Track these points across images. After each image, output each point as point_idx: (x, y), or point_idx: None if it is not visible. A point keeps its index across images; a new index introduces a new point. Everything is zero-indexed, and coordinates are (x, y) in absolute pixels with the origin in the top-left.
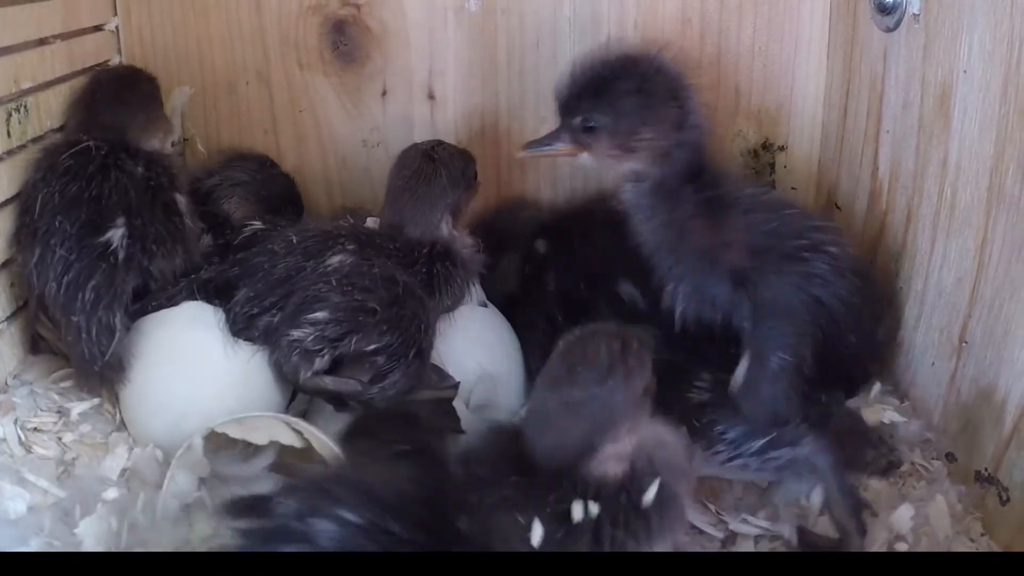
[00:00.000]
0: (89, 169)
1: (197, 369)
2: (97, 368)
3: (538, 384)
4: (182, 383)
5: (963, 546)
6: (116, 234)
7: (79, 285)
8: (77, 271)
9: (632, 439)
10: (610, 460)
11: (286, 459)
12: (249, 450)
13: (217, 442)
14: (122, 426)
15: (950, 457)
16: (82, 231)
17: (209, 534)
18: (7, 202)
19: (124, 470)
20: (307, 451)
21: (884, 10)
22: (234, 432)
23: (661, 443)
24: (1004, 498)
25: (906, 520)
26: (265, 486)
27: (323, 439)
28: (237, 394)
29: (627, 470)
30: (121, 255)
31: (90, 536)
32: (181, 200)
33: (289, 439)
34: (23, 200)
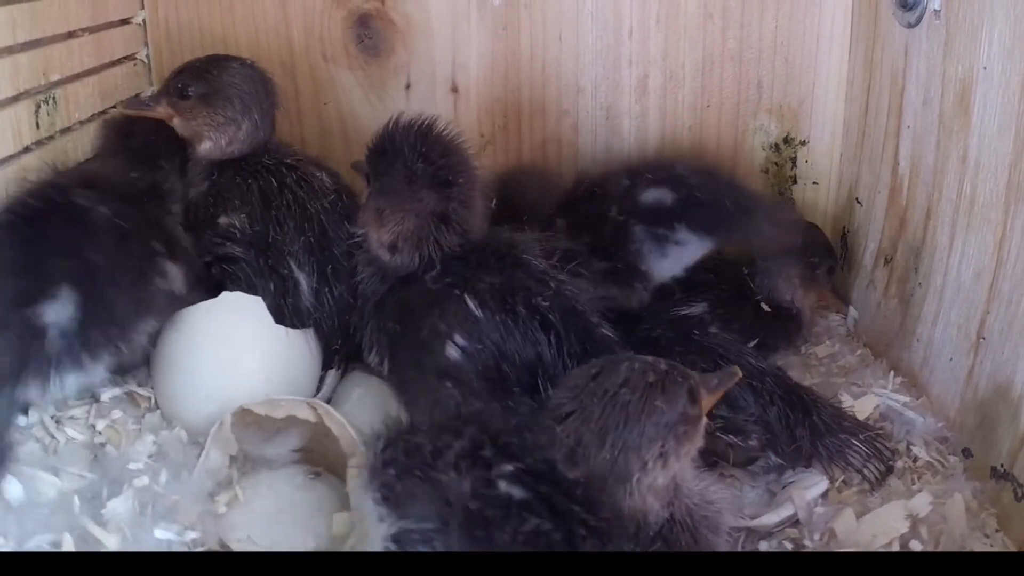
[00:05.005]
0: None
1: (233, 358)
2: None
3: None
4: (219, 372)
5: (978, 542)
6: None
7: None
8: None
9: (668, 473)
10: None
11: (313, 445)
12: (273, 430)
13: (245, 421)
14: (152, 411)
15: (966, 453)
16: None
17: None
18: None
19: (151, 455)
20: (330, 436)
21: (905, 6)
22: (259, 409)
23: (706, 500)
24: (1019, 494)
25: (924, 506)
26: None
27: (343, 422)
28: (270, 380)
29: (667, 517)
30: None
31: (117, 517)
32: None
33: (305, 415)
34: None
